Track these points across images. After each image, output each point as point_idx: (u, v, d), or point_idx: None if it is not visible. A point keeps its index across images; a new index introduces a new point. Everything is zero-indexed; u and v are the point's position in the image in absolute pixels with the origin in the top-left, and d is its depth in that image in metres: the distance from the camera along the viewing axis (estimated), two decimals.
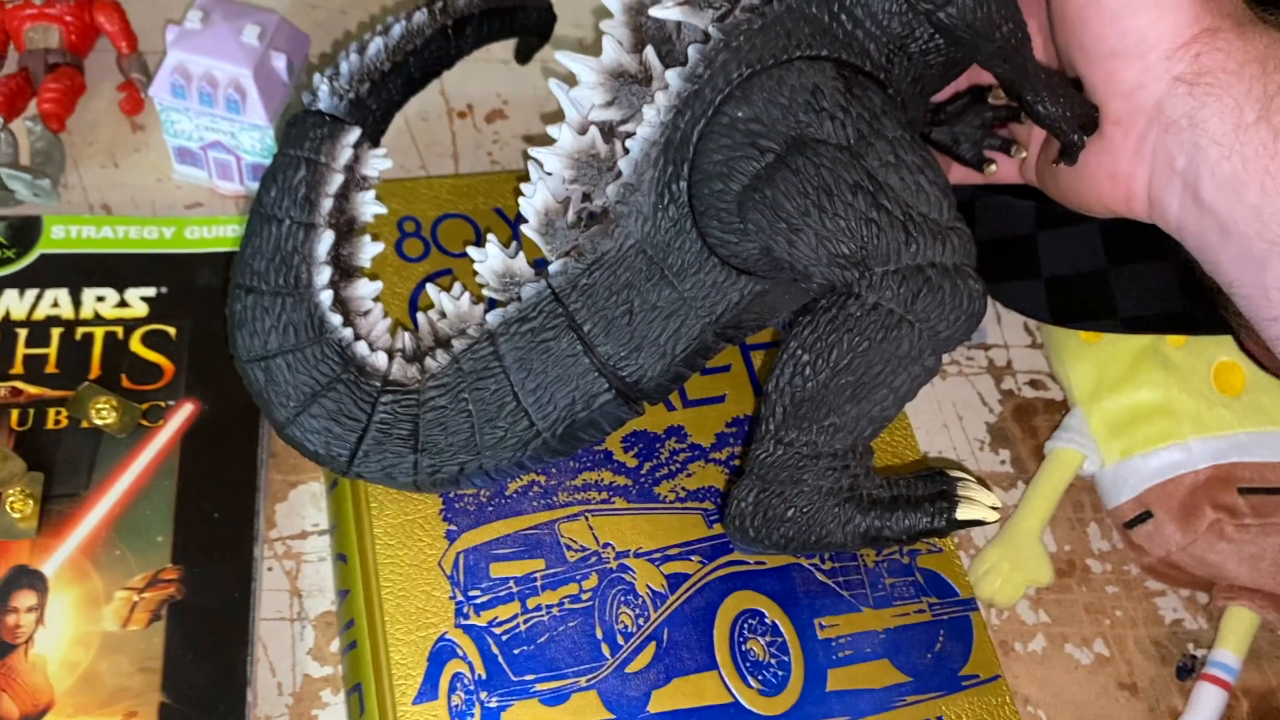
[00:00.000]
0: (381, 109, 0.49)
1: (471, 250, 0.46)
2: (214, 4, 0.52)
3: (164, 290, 0.51)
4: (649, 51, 0.44)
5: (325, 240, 0.45)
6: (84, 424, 0.47)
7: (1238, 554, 0.50)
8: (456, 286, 0.48)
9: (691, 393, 0.51)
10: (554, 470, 0.47)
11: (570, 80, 0.46)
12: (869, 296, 0.39)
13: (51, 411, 0.47)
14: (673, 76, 0.43)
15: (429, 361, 0.44)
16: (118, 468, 0.47)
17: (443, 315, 0.46)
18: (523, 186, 0.46)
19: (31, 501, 0.45)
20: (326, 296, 0.44)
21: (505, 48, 0.63)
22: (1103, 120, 0.43)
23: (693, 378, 0.51)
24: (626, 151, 0.44)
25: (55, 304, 0.50)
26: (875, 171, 0.39)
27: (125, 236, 0.52)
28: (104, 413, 0.47)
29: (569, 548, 0.45)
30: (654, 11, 0.43)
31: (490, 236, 0.46)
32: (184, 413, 0.48)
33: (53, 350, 0.49)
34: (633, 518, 0.46)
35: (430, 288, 0.47)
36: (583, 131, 0.45)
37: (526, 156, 0.46)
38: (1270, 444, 0.51)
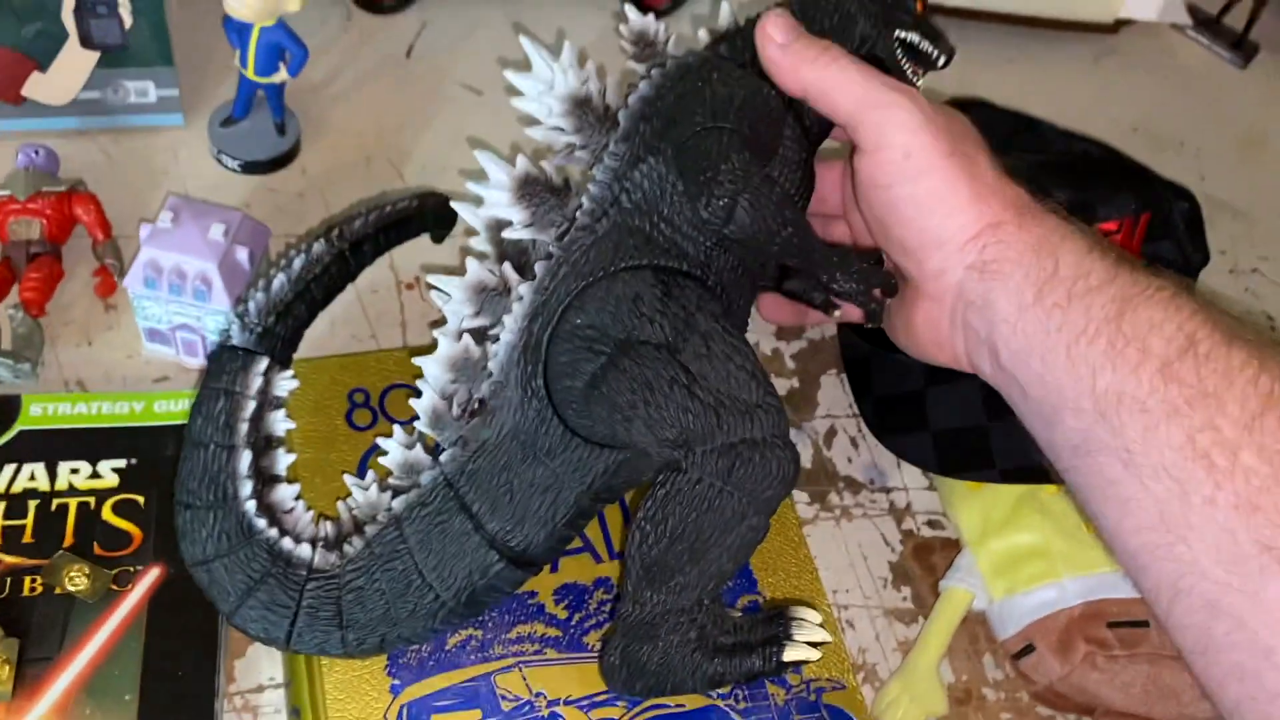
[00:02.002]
0: (289, 333, 0.55)
1: (381, 442, 0.52)
2: (183, 204, 0.58)
3: (134, 461, 0.55)
4: (506, 266, 0.51)
5: (245, 458, 0.51)
6: (58, 590, 0.51)
7: (1111, 683, 0.55)
8: (370, 475, 0.53)
9: (618, 545, 0.56)
10: (490, 624, 0.51)
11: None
12: (693, 473, 0.45)
13: (27, 579, 0.51)
14: (525, 290, 0.50)
15: (346, 547, 0.50)
16: (89, 631, 0.50)
17: (355, 504, 0.52)
18: (418, 384, 0.52)
19: (7, 667, 0.48)
20: (250, 506, 0.50)
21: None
22: (921, 297, 0.50)
23: (618, 532, 0.56)
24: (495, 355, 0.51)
25: (32, 477, 0.54)
26: (689, 364, 0.46)
27: (98, 412, 0.57)
28: (76, 579, 0.51)
29: (504, 698, 0.50)
30: (506, 234, 0.51)
31: (396, 430, 0.52)
32: (151, 576, 0.52)
33: (29, 521, 0.53)
34: (563, 667, 0.51)
35: (347, 479, 0.53)
36: (458, 339, 0.51)
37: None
38: None
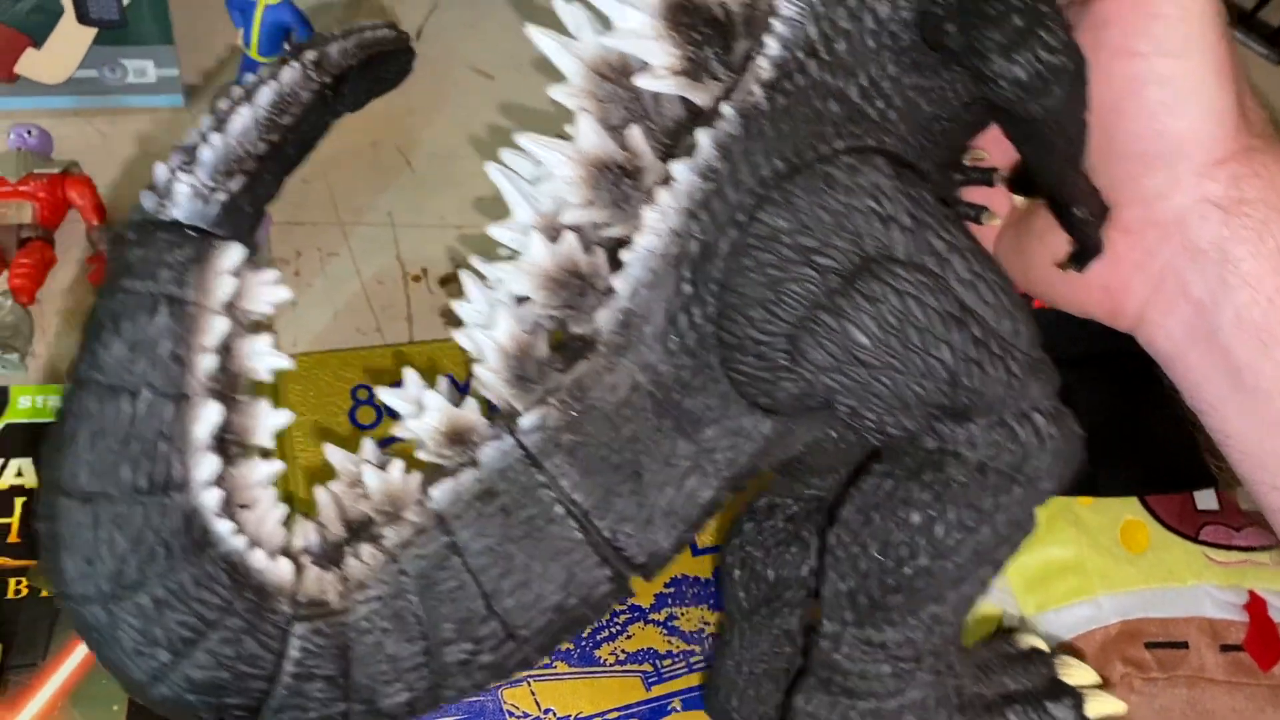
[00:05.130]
0: (256, 210, 0.36)
1: (392, 398, 0.36)
2: None
3: None
4: (635, 132, 0.34)
5: (207, 416, 0.32)
6: (44, 593, 0.48)
7: (1149, 706, 0.53)
8: (368, 444, 0.36)
9: None
10: None
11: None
12: (970, 456, 0.32)
13: (12, 581, 0.49)
14: (681, 170, 0.34)
15: (351, 563, 0.34)
16: (76, 635, 0.48)
17: (362, 493, 0.35)
18: (461, 310, 0.36)
19: None
20: (212, 497, 0.32)
21: (460, 210, 0.67)
22: (1112, 226, 0.38)
23: None
24: (616, 266, 0.34)
25: (19, 473, 0.52)
26: (962, 296, 0.33)
27: None
28: None
29: (511, 714, 0.47)
30: (642, 82, 0.34)
31: (412, 377, 0.35)
32: None
33: (15, 520, 0.51)
34: (573, 682, 0.49)
35: (332, 450, 0.36)
36: (554, 238, 0.35)
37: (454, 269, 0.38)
38: (1173, 600, 0.54)
